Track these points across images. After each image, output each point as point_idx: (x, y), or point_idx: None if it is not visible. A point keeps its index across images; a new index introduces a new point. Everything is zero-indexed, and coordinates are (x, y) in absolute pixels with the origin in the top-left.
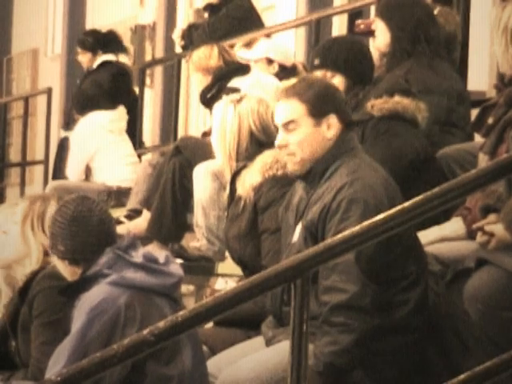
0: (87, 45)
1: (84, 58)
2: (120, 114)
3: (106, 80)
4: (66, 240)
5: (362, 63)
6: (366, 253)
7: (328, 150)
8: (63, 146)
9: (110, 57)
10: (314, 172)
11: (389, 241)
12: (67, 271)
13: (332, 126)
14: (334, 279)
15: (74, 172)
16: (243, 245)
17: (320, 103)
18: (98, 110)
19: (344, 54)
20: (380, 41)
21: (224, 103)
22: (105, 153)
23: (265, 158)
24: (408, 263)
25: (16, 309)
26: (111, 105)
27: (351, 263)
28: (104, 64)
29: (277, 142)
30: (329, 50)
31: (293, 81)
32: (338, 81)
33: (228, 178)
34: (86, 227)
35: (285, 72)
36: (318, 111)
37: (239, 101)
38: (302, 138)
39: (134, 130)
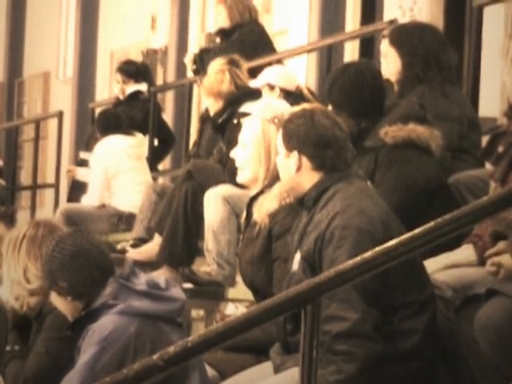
0: (132, 73)
1: (125, 86)
2: (139, 141)
3: (137, 114)
4: (69, 276)
5: (362, 95)
6: (364, 280)
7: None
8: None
9: (142, 87)
10: (308, 197)
11: (389, 267)
12: (68, 307)
13: (297, 163)
14: (334, 308)
15: (94, 196)
16: (255, 270)
17: (288, 137)
18: (120, 134)
19: (342, 92)
20: (391, 68)
21: (262, 119)
22: (121, 177)
23: (283, 186)
24: (410, 291)
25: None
26: (133, 131)
27: (349, 291)
28: (136, 95)
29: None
30: (329, 88)
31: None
32: (343, 118)
33: (247, 198)
34: (88, 261)
35: (292, 97)
36: (286, 145)
37: (280, 120)
38: (278, 164)
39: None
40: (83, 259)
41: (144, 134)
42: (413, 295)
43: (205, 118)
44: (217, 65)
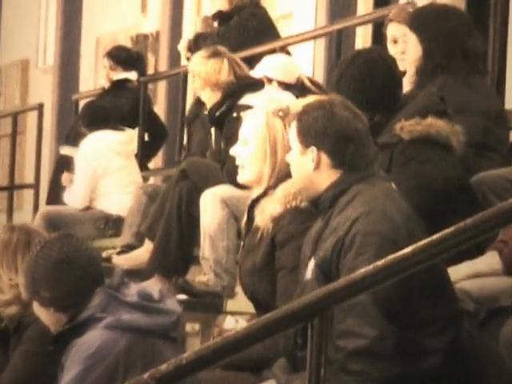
0: (121, 59)
1: (111, 73)
2: (129, 137)
3: (125, 105)
4: (52, 285)
5: (374, 86)
6: (384, 292)
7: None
8: (62, 164)
9: (131, 75)
10: (324, 198)
11: (410, 278)
12: (51, 319)
13: (316, 160)
14: (351, 322)
15: (78, 198)
16: (257, 280)
17: (304, 132)
18: (108, 129)
19: (352, 84)
20: (411, 55)
21: (266, 112)
22: (109, 177)
23: (288, 187)
24: (434, 306)
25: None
26: (125, 126)
27: (368, 305)
28: (124, 83)
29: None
30: (338, 79)
31: (309, 98)
32: None
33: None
34: (73, 270)
35: (293, 90)
36: (302, 140)
37: (285, 112)
38: (291, 162)
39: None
40: (69, 268)
41: (132, 127)
42: (438, 311)
43: (191, 119)
44: (200, 56)
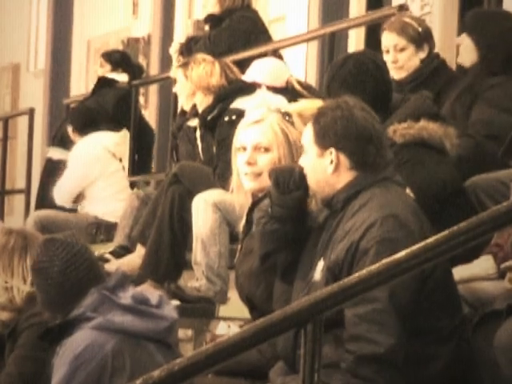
0: (112, 59)
1: (100, 69)
2: (122, 138)
3: (109, 103)
4: (43, 292)
5: (365, 89)
6: (403, 298)
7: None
8: (50, 168)
9: (119, 77)
10: (337, 199)
11: (427, 286)
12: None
13: (335, 162)
14: (365, 328)
15: (65, 197)
16: (254, 284)
17: (322, 133)
18: (101, 130)
19: (343, 87)
20: (465, 59)
21: (277, 116)
22: (104, 181)
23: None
24: (444, 315)
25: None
26: (114, 127)
27: (388, 312)
28: (110, 83)
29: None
30: (328, 83)
31: (302, 102)
32: None
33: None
34: (45, 280)
35: (283, 94)
36: (320, 142)
37: (290, 117)
38: (306, 165)
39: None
40: (41, 278)
41: (118, 129)
42: (446, 320)
43: (175, 133)
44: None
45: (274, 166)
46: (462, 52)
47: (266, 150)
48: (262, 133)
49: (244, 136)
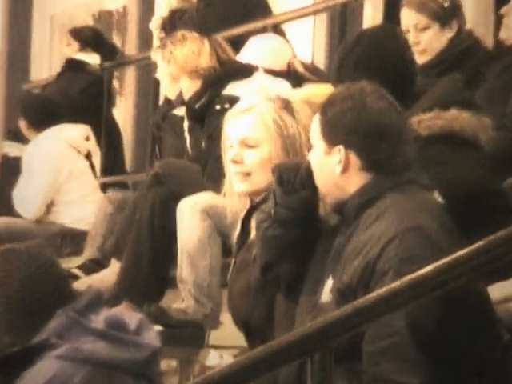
0: (80, 37)
1: (66, 49)
2: (87, 132)
3: (76, 91)
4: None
5: (382, 71)
6: (427, 326)
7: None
8: (7, 167)
9: (89, 58)
10: (349, 207)
11: (457, 309)
12: None
13: (343, 162)
14: (384, 367)
15: (33, 211)
16: (252, 305)
17: (330, 127)
18: (62, 123)
19: (357, 69)
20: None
21: (269, 105)
22: (73, 181)
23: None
24: (479, 343)
25: None
26: (80, 119)
27: (407, 346)
28: (78, 65)
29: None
30: (339, 65)
31: (309, 87)
32: None
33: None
34: (2, 298)
35: (284, 76)
36: (327, 137)
37: (288, 106)
38: (313, 162)
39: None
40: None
41: (84, 120)
42: (482, 350)
43: (159, 123)
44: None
45: (277, 162)
46: (509, 25)
47: (254, 145)
48: (250, 125)
49: (230, 129)
